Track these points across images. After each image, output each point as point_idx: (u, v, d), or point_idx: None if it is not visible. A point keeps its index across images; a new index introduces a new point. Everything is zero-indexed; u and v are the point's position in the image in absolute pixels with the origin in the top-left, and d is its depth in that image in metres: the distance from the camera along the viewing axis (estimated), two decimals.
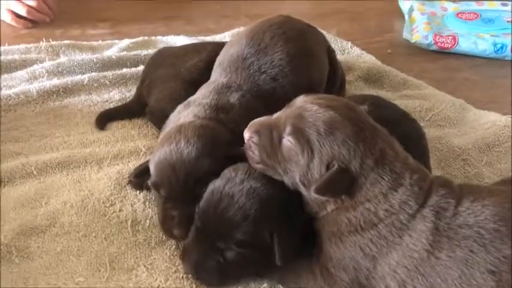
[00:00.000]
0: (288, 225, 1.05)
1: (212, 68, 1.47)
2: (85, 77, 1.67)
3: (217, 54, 1.49)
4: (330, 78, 1.54)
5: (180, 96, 1.45)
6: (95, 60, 1.77)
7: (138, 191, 1.30)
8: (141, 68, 1.72)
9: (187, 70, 1.53)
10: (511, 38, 2.04)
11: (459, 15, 2.21)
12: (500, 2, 2.32)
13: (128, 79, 1.70)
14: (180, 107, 1.34)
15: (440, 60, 2.05)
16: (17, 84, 1.67)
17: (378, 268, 0.98)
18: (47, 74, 1.70)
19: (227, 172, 1.09)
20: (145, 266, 1.13)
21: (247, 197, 1.03)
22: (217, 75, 1.40)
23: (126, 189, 1.30)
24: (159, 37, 2.04)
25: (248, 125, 1.09)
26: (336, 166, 0.97)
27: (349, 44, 2.04)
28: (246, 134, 1.08)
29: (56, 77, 1.70)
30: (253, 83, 1.35)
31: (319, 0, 2.57)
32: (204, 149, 1.14)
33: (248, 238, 1.02)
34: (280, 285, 1.11)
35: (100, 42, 1.98)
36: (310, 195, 1.00)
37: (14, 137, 1.47)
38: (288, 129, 1.01)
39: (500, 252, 0.90)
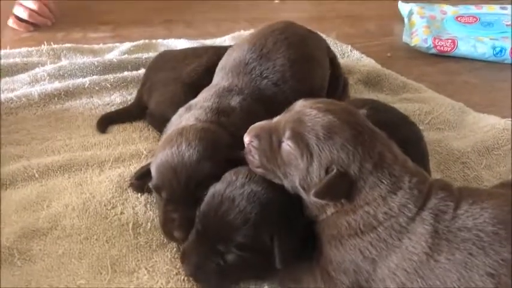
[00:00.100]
0: (288, 228, 1.05)
1: (213, 72, 1.47)
2: (86, 80, 1.68)
3: (218, 59, 1.50)
4: (332, 83, 1.55)
5: (180, 99, 1.45)
6: (96, 63, 1.78)
7: (139, 194, 1.31)
8: (142, 71, 1.72)
9: (187, 74, 1.54)
10: (511, 41, 2.05)
11: (458, 19, 2.21)
12: (499, 6, 2.32)
13: (129, 82, 1.71)
14: (181, 110, 1.35)
15: (440, 63, 2.05)
16: (18, 87, 1.68)
17: (377, 271, 0.98)
18: (48, 77, 1.71)
19: (228, 175, 1.09)
20: (146, 269, 1.14)
21: (248, 201, 1.04)
22: (219, 79, 1.41)
23: (128, 192, 1.31)
24: (160, 40, 2.04)
25: (248, 130, 1.09)
26: (335, 170, 0.97)
27: (349, 47, 2.04)
28: (246, 139, 1.08)
29: (57, 80, 1.71)
30: (255, 87, 1.36)
31: (318, 3, 2.57)
32: (205, 152, 1.15)
33: (248, 241, 1.03)
34: None
35: (101, 45, 1.99)
36: (310, 198, 1.01)
37: (16, 140, 1.48)
38: (287, 133, 1.01)
39: (499, 255, 0.90)
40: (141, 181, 1.28)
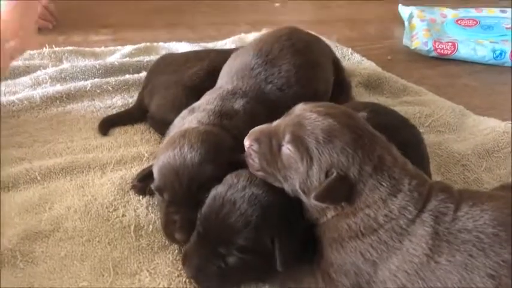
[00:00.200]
0: (289, 231, 1.06)
1: (214, 75, 1.48)
2: (88, 83, 1.69)
3: (220, 62, 1.50)
4: (337, 87, 1.56)
5: (181, 102, 1.46)
6: (97, 66, 1.79)
7: (141, 196, 1.31)
8: (143, 74, 1.73)
9: (189, 77, 1.54)
10: (510, 44, 2.05)
11: (458, 22, 2.22)
12: (499, 9, 2.33)
13: (130, 85, 1.72)
14: (184, 113, 1.36)
15: (440, 66, 2.06)
16: (20, 90, 1.68)
17: (378, 273, 0.99)
18: (50, 80, 1.72)
19: (229, 178, 1.09)
20: (148, 271, 1.14)
21: (249, 203, 1.04)
22: (223, 83, 1.42)
23: (129, 195, 1.31)
24: (161, 43, 2.05)
25: (248, 133, 1.10)
26: (334, 173, 0.98)
27: (350, 50, 2.05)
28: (246, 142, 1.09)
29: (59, 83, 1.71)
30: (259, 91, 1.37)
31: (319, 6, 2.58)
32: (207, 155, 1.15)
33: (249, 244, 1.03)
34: None
35: (103, 48, 2.00)
36: (310, 202, 1.01)
37: (18, 143, 1.48)
38: (287, 137, 1.02)
39: (500, 257, 0.91)
40: (143, 183, 1.29)
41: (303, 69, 1.41)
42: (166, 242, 1.21)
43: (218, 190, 1.08)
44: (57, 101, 1.63)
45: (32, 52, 1.88)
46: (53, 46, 1.93)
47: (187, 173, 1.14)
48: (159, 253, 1.19)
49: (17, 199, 1.29)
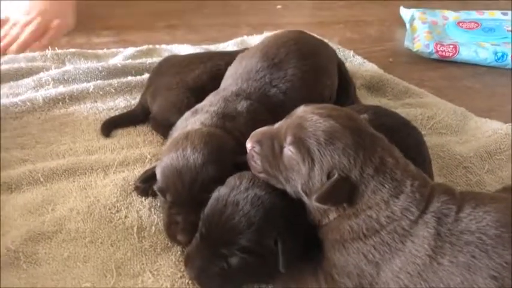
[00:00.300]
0: (292, 232, 1.06)
1: (217, 78, 1.49)
2: (90, 85, 1.69)
3: (223, 65, 1.51)
4: (343, 91, 1.56)
5: (183, 104, 1.47)
6: (100, 68, 1.79)
7: (143, 198, 1.31)
8: (146, 76, 1.73)
9: (191, 79, 1.54)
10: (511, 47, 2.06)
11: (460, 24, 2.22)
12: (500, 11, 2.33)
13: (133, 87, 1.72)
14: (187, 114, 1.36)
15: (442, 68, 2.06)
16: (23, 91, 1.68)
17: (381, 274, 0.99)
18: (52, 82, 1.72)
19: (232, 180, 1.10)
20: (151, 272, 1.14)
21: (252, 205, 1.04)
22: (227, 85, 1.42)
23: (132, 196, 1.32)
24: (163, 46, 2.05)
25: (250, 135, 1.10)
26: (336, 175, 0.98)
27: (351, 52, 2.05)
28: (248, 144, 1.09)
29: (61, 84, 1.71)
30: (263, 94, 1.37)
31: (321, 9, 2.58)
32: (210, 156, 1.16)
33: (252, 245, 1.03)
34: None
35: (105, 50, 1.99)
36: (312, 203, 1.01)
37: (20, 144, 1.48)
38: (288, 138, 1.02)
39: (503, 258, 0.91)
40: (146, 185, 1.29)
41: (309, 74, 1.41)
42: (169, 243, 1.21)
43: (221, 191, 1.08)
44: (60, 103, 1.63)
45: (34, 54, 1.89)
46: (56, 48, 1.93)
47: (189, 174, 1.15)
48: (161, 254, 1.19)
49: (19, 200, 1.30)
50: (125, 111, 1.63)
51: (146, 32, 2.21)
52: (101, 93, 1.68)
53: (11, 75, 1.75)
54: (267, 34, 2.03)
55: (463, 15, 2.31)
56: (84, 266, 1.15)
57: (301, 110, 1.07)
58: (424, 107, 1.71)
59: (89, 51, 1.97)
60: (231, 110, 1.32)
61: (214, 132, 1.23)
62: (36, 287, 1.09)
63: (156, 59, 1.84)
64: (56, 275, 1.12)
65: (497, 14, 2.32)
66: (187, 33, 2.23)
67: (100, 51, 1.98)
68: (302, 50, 1.44)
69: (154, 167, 1.25)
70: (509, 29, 2.18)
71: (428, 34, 2.13)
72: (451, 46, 2.07)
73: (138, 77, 1.76)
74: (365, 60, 2.01)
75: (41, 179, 1.35)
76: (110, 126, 1.56)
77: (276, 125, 1.08)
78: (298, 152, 1.00)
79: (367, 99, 1.77)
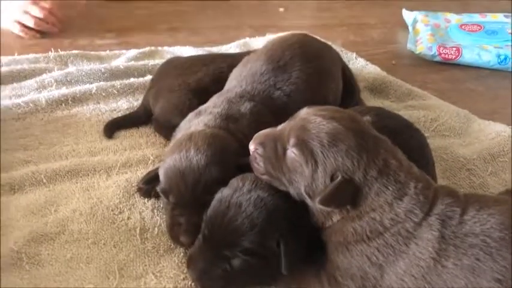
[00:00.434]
0: (295, 234, 1.06)
1: (219, 80, 1.49)
2: (93, 87, 1.69)
3: (225, 67, 1.52)
4: (348, 95, 1.57)
5: (185, 106, 1.47)
6: (102, 69, 1.79)
7: (146, 199, 1.31)
8: (148, 77, 1.74)
9: (194, 81, 1.55)
10: None
11: (462, 27, 2.23)
12: (503, 14, 2.34)
13: (135, 89, 1.72)
14: (190, 115, 1.36)
15: (445, 71, 2.06)
16: (26, 93, 1.69)
17: (385, 277, 0.99)
18: (55, 83, 1.72)
19: (235, 181, 1.10)
20: (154, 274, 1.14)
21: (255, 206, 1.04)
22: (232, 86, 1.42)
23: (135, 197, 1.32)
24: (165, 48, 2.06)
25: (253, 137, 1.10)
26: (339, 177, 0.98)
27: (354, 55, 2.05)
28: (251, 146, 1.09)
29: (64, 86, 1.72)
30: (267, 96, 1.37)
31: (323, 11, 2.59)
32: (213, 158, 1.16)
33: (255, 247, 1.03)
34: None
35: (108, 52, 2.00)
36: (316, 206, 1.01)
37: (23, 146, 1.49)
38: (292, 140, 1.02)
39: (507, 261, 0.91)
40: (149, 186, 1.29)
41: (313, 77, 1.41)
42: (172, 244, 1.21)
43: (224, 193, 1.08)
44: (63, 104, 1.64)
45: (37, 55, 1.89)
46: (59, 50, 1.93)
47: (193, 176, 1.15)
48: (164, 256, 1.19)
49: (22, 201, 1.30)
50: (128, 112, 1.63)
51: (148, 34, 2.21)
52: (103, 94, 1.68)
53: (14, 76, 1.76)
54: (269, 36, 2.04)
55: (465, 17, 2.32)
56: (87, 267, 1.14)
57: (304, 112, 1.06)
58: (427, 109, 1.71)
59: (92, 53, 1.98)
60: (235, 112, 1.32)
61: (218, 134, 1.23)
62: None
63: (158, 61, 1.85)
64: (58, 276, 1.12)
65: (499, 16, 2.33)
66: (190, 35, 2.24)
67: (103, 53, 1.99)
68: (307, 53, 1.44)
69: (157, 168, 1.25)
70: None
71: (431, 37, 2.13)
72: (454, 49, 2.07)
73: (141, 79, 1.76)
74: (368, 63, 2.01)
75: (44, 180, 1.35)
76: (113, 128, 1.56)
77: (279, 127, 1.08)
78: (301, 154, 1.00)
79: (370, 101, 1.77)
